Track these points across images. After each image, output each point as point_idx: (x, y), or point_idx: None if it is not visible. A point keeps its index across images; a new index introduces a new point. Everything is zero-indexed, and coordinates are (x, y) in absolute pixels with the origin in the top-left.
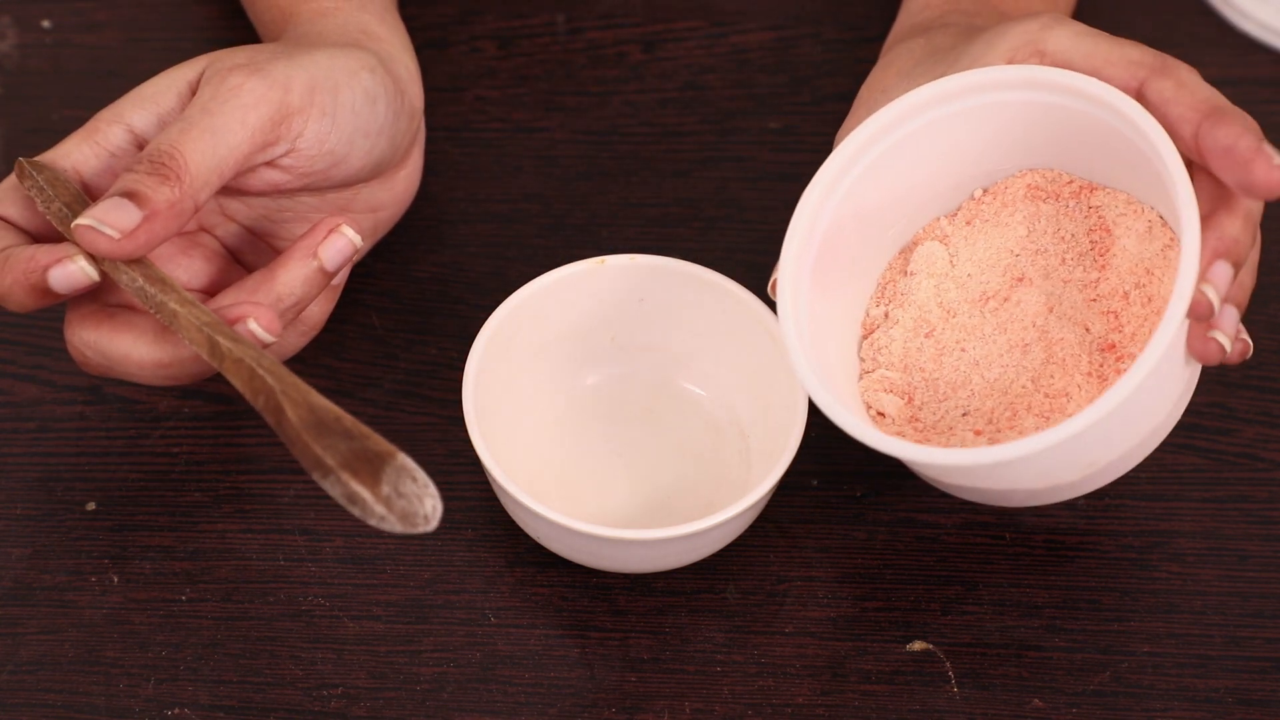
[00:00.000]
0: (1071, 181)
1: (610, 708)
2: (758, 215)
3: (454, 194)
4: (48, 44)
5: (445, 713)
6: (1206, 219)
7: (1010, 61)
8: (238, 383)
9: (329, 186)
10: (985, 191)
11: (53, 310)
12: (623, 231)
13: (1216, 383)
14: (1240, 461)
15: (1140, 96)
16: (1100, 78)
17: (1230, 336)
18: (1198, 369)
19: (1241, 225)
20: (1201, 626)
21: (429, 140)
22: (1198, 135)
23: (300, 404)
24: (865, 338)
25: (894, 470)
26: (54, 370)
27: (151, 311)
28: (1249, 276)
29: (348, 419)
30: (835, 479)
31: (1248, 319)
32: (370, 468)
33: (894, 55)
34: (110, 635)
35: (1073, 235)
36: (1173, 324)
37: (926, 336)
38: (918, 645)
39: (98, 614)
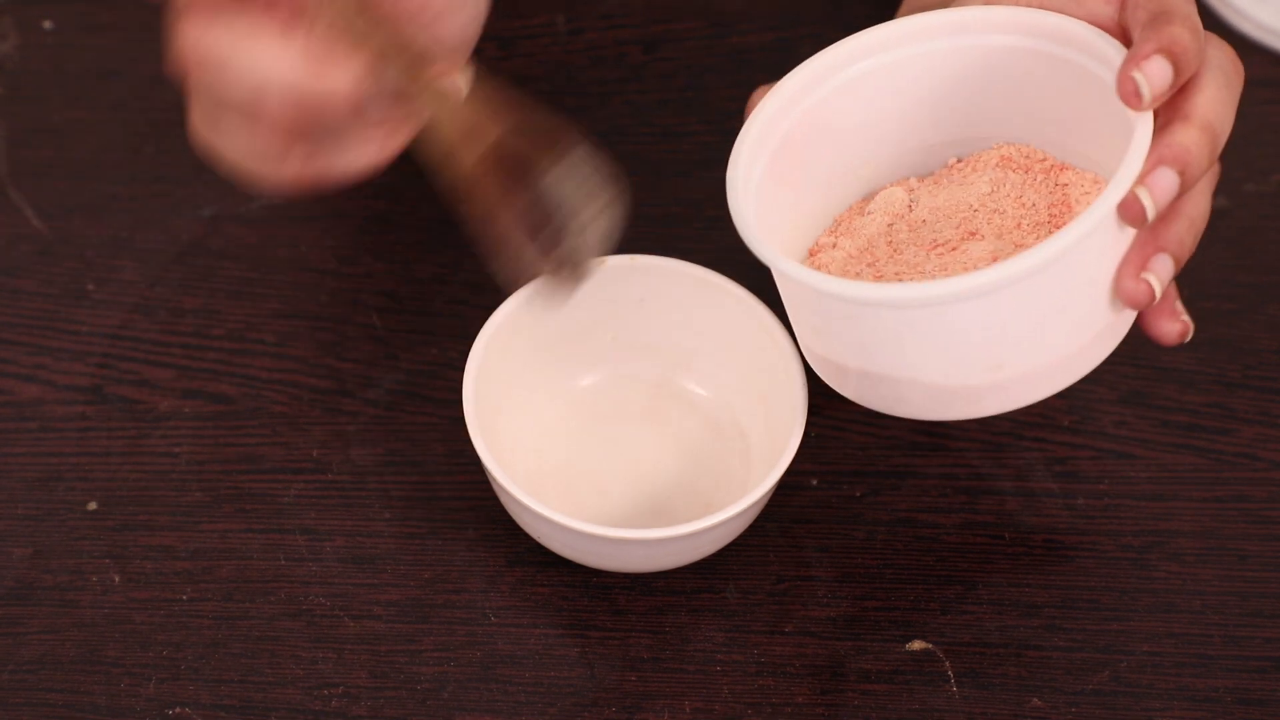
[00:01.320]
0: (1045, 159)
1: (610, 707)
2: None
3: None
4: (49, 45)
5: (445, 712)
6: (1159, 129)
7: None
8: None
9: None
10: (960, 160)
11: (53, 310)
12: (623, 231)
13: (1216, 383)
14: (1240, 461)
15: (1121, 7)
16: None
17: (1161, 281)
18: (1126, 319)
19: (1196, 136)
20: (1201, 626)
21: None
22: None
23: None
24: (809, 257)
25: (894, 470)
26: (55, 370)
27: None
28: (1189, 235)
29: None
30: (835, 479)
31: (1246, 315)
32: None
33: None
34: (111, 635)
35: (1033, 204)
36: (1097, 211)
37: (868, 265)
38: (917, 645)
39: (99, 613)
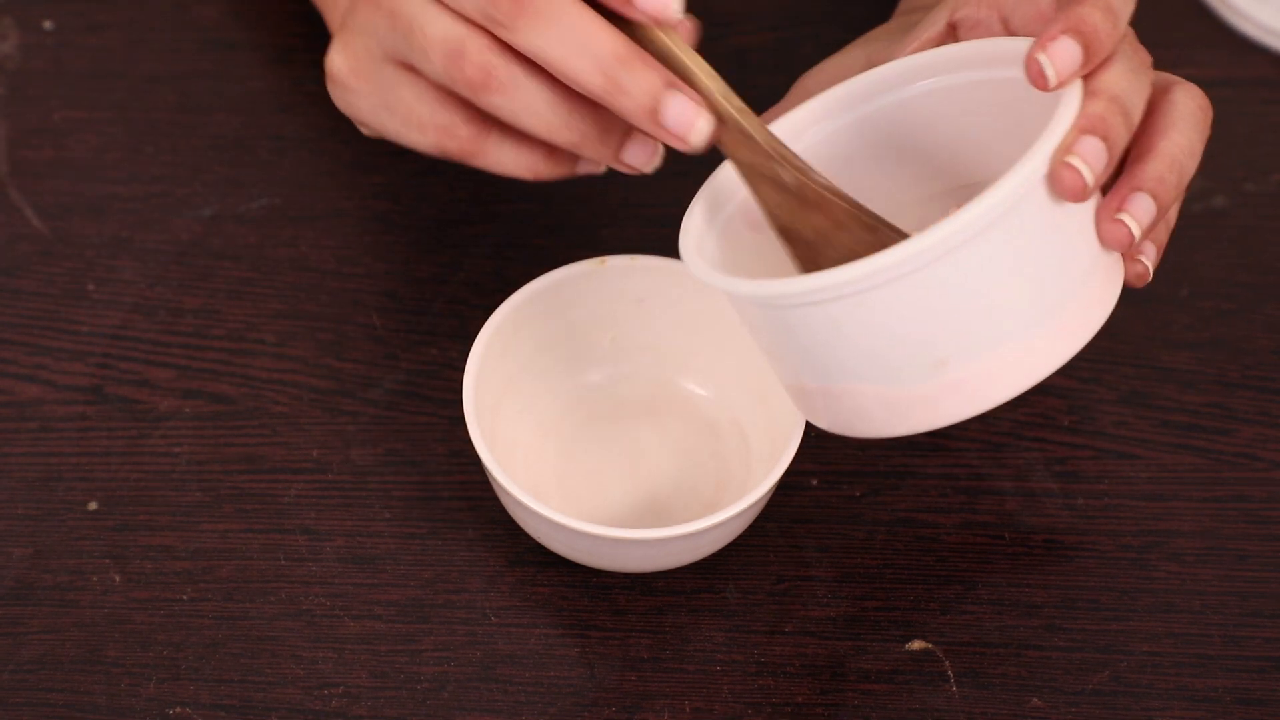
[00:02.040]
0: None
1: (610, 707)
2: None
3: (454, 194)
4: (49, 45)
5: (445, 712)
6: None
7: (954, 9)
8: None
9: None
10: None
11: (53, 310)
12: (623, 231)
13: (1216, 383)
14: (1239, 461)
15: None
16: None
17: (1139, 221)
18: (1090, 310)
19: (1106, 107)
20: (1200, 626)
21: None
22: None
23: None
24: None
25: (894, 470)
26: (55, 370)
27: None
28: (1171, 173)
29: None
30: (835, 479)
31: (1245, 315)
32: None
33: (874, 29)
34: (112, 635)
35: None
36: (1025, 170)
37: None
38: (917, 644)
39: (99, 613)
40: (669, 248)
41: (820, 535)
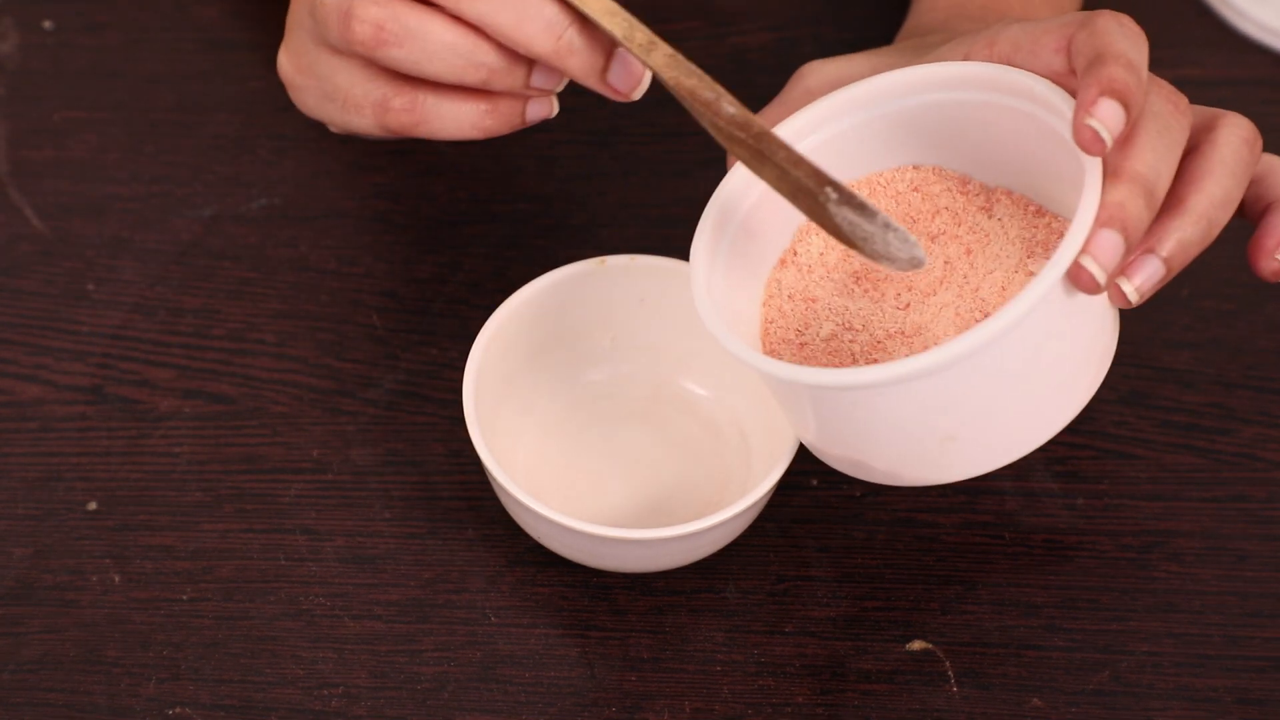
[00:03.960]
0: (1025, 200)
1: (610, 707)
2: None
3: (454, 194)
4: (49, 45)
5: (445, 712)
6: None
7: (966, 57)
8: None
9: None
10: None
11: (53, 310)
12: (623, 231)
13: (1216, 383)
14: (1239, 461)
15: (1069, 56)
16: (1038, 49)
17: (1144, 292)
18: (1095, 377)
19: (1127, 192)
20: (1200, 626)
21: (430, 141)
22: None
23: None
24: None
25: None
26: (55, 370)
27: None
28: (1195, 228)
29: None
30: (835, 479)
31: (1245, 315)
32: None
33: (882, 48)
34: (112, 634)
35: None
36: (1045, 281)
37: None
38: (917, 645)
39: (99, 613)
40: (669, 248)
41: (820, 535)
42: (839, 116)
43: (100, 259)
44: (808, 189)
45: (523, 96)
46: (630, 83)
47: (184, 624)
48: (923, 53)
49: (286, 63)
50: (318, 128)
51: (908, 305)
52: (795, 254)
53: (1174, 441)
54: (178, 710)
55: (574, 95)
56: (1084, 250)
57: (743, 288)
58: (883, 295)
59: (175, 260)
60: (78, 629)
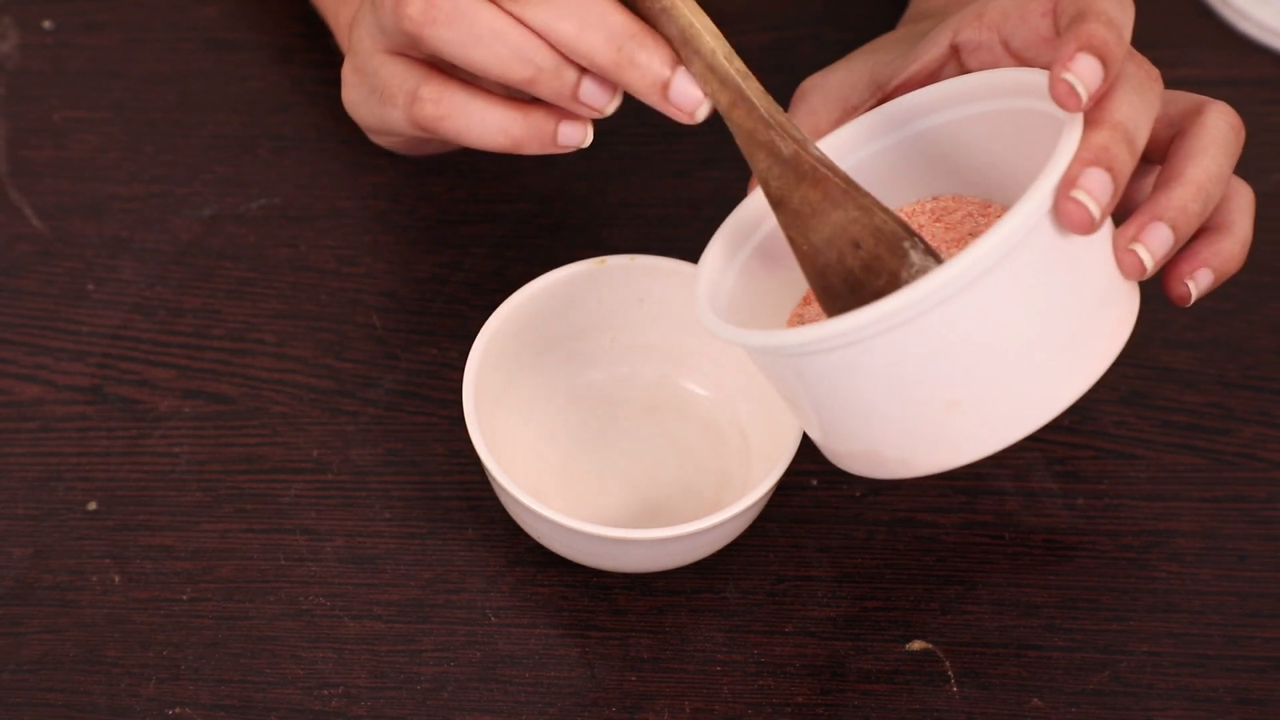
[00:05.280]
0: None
1: (610, 707)
2: None
3: (454, 194)
4: (49, 44)
5: (445, 712)
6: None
7: (956, 31)
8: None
9: None
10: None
11: (53, 310)
12: (623, 231)
13: (1216, 383)
14: (1239, 461)
15: (1055, 18)
16: (1026, 14)
17: (1153, 253)
18: (1106, 338)
19: (1109, 136)
20: (1200, 626)
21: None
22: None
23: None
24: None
25: None
26: (55, 370)
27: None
28: (1195, 202)
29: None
30: (835, 479)
31: (1245, 315)
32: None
33: (878, 38)
34: (111, 635)
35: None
36: (1026, 208)
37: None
38: (917, 645)
39: (99, 613)
40: (669, 248)
41: (820, 535)
42: (852, 149)
43: (100, 259)
44: (893, 232)
45: (558, 114)
46: (691, 102)
47: (184, 624)
48: (914, 41)
49: (346, 64)
50: (318, 128)
51: None
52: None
53: (1174, 441)
54: (178, 710)
55: None
56: (1074, 185)
57: (759, 306)
58: None
59: (175, 260)
60: (78, 629)
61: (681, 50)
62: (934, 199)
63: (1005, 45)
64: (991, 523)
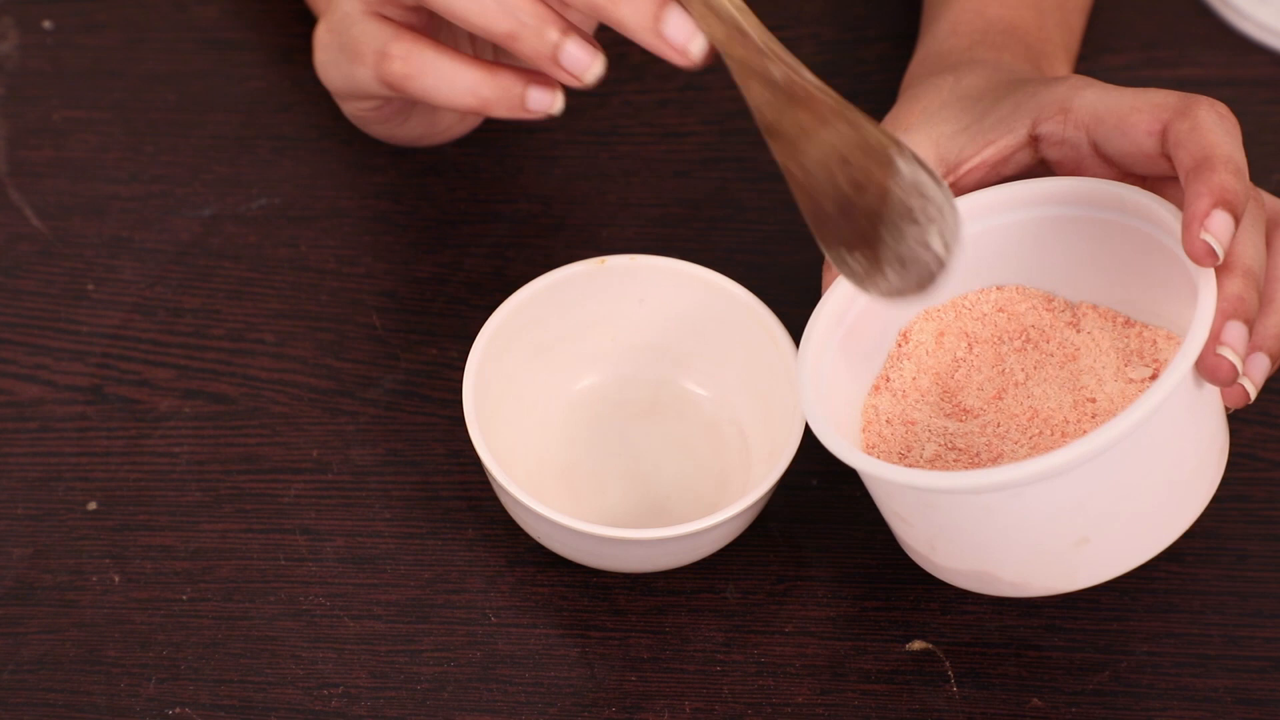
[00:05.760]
0: (1119, 316)
1: (610, 707)
2: (757, 215)
3: (454, 194)
4: (49, 44)
5: (445, 712)
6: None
7: (1036, 122)
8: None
9: None
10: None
11: (53, 310)
12: (623, 231)
13: None
14: (1240, 461)
15: (1163, 140)
16: (1127, 129)
17: (1255, 381)
18: (1218, 466)
19: (1242, 285)
20: (1200, 626)
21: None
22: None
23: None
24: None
25: None
26: (55, 370)
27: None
28: (1276, 320)
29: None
30: (835, 479)
31: None
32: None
33: (920, 91)
34: (111, 635)
35: (1104, 349)
36: (1177, 372)
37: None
38: (917, 645)
39: (99, 613)
40: (669, 248)
41: (820, 535)
42: None
43: (100, 259)
44: (879, 144)
45: (527, 77)
46: (684, 36)
47: (184, 624)
48: (969, 107)
49: (320, 25)
50: (318, 128)
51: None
52: (888, 379)
53: None
54: (178, 710)
55: (574, 95)
56: (1220, 342)
57: (843, 406)
58: (982, 413)
59: (175, 260)
60: (78, 629)
61: None
62: (998, 289)
63: (1095, 148)
64: None
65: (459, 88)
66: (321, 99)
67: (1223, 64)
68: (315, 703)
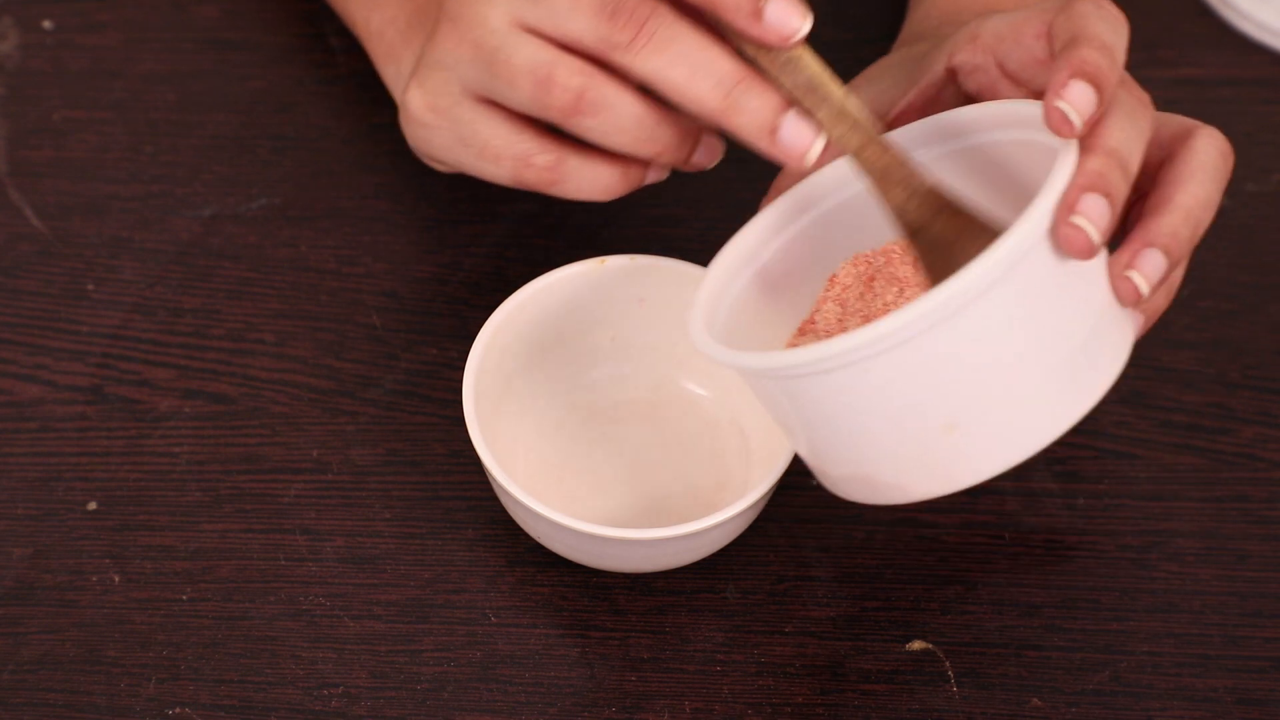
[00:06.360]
0: None
1: (610, 707)
2: None
3: (454, 194)
4: (49, 45)
5: (445, 712)
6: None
7: (951, 55)
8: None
9: None
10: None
11: (53, 310)
12: (623, 231)
13: (1216, 383)
14: (1239, 461)
15: (1049, 40)
16: (1020, 37)
17: (1149, 278)
18: (1107, 359)
19: (1103, 163)
20: (1200, 626)
21: None
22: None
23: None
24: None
25: None
26: (55, 370)
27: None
28: (1185, 227)
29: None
30: None
31: (1246, 315)
32: None
33: (876, 62)
34: (111, 635)
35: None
36: (1024, 229)
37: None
38: (917, 645)
39: (99, 613)
40: (669, 248)
41: (820, 535)
42: (845, 184)
43: (100, 259)
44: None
45: (646, 164)
46: (802, 144)
47: (184, 624)
48: (910, 66)
49: (420, 101)
50: (318, 128)
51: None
52: (813, 322)
53: (1174, 441)
54: (178, 710)
55: None
56: (1073, 210)
57: (755, 332)
58: None
59: (175, 260)
60: (78, 629)
61: (808, 98)
62: None
63: (1001, 68)
64: (991, 523)
65: (598, 187)
66: (321, 99)
67: (1223, 64)
68: (315, 703)
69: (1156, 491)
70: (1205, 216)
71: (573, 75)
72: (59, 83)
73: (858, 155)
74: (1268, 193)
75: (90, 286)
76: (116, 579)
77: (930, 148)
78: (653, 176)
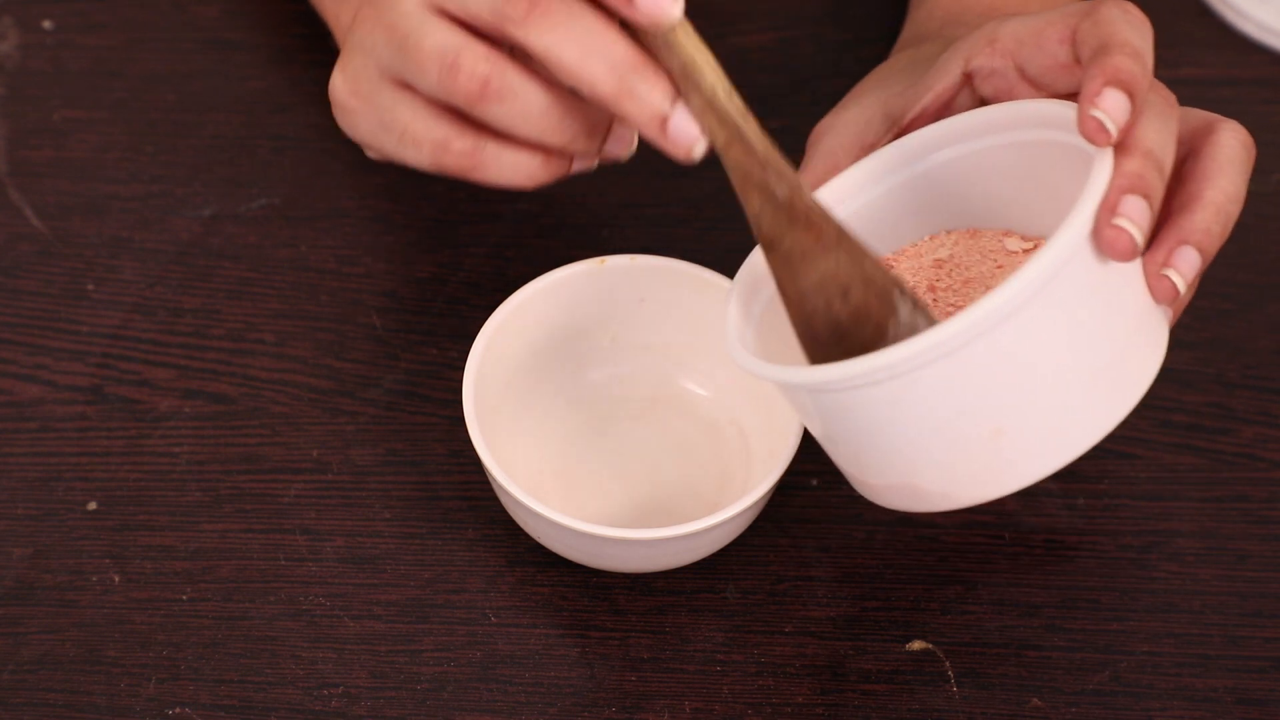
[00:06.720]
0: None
1: (610, 707)
2: None
3: (454, 194)
4: (49, 44)
5: (445, 712)
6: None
7: (968, 59)
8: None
9: None
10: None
11: (53, 310)
12: (623, 231)
13: (1216, 383)
14: (1239, 461)
15: (1074, 45)
16: (1042, 41)
17: (1184, 276)
18: (1145, 359)
19: (1141, 164)
20: (1200, 626)
21: None
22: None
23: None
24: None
25: None
26: (55, 370)
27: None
28: (1216, 223)
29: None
30: (835, 479)
31: (1245, 315)
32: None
33: (881, 65)
34: (111, 635)
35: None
36: (1068, 236)
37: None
38: (917, 645)
39: (99, 613)
40: (669, 248)
41: (820, 535)
42: (867, 186)
43: (100, 259)
44: (883, 282)
45: (577, 157)
46: (688, 139)
47: (184, 624)
48: (922, 69)
49: (342, 85)
50: (317, 128)
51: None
52: None
53: (1174, 441)
54: (178, 710)
55: None
56: (1115, 212)
57: (781, 345)
58: None
59: (175, 260)
60: (78, 629)
61: (681, 84)
62: (947, 233)
63: (1020, 71)
64: (991, 523)
65: (520, 173)
66: (321, 99)
67: (1223, 64)
68: (315, 703)
69: (1156, 491)
70: (1234, 210)
71: (479, 61)
72: (59, 83)
73: (723, 152)
74: (1268, 193)
75: (90, 286)
76: (116, 579)
77: (950, 148)
78: (579, 165)
